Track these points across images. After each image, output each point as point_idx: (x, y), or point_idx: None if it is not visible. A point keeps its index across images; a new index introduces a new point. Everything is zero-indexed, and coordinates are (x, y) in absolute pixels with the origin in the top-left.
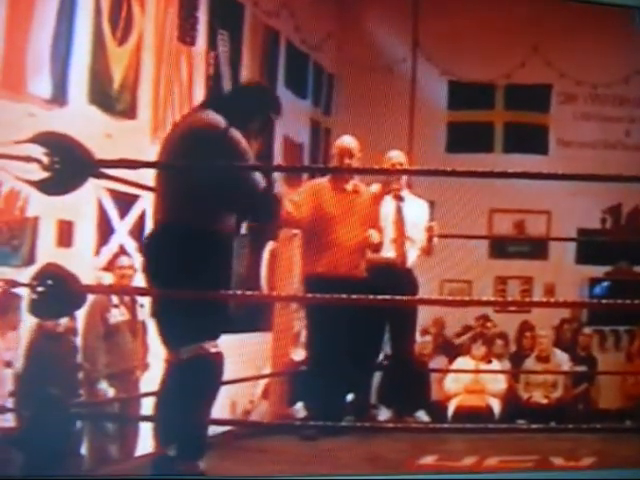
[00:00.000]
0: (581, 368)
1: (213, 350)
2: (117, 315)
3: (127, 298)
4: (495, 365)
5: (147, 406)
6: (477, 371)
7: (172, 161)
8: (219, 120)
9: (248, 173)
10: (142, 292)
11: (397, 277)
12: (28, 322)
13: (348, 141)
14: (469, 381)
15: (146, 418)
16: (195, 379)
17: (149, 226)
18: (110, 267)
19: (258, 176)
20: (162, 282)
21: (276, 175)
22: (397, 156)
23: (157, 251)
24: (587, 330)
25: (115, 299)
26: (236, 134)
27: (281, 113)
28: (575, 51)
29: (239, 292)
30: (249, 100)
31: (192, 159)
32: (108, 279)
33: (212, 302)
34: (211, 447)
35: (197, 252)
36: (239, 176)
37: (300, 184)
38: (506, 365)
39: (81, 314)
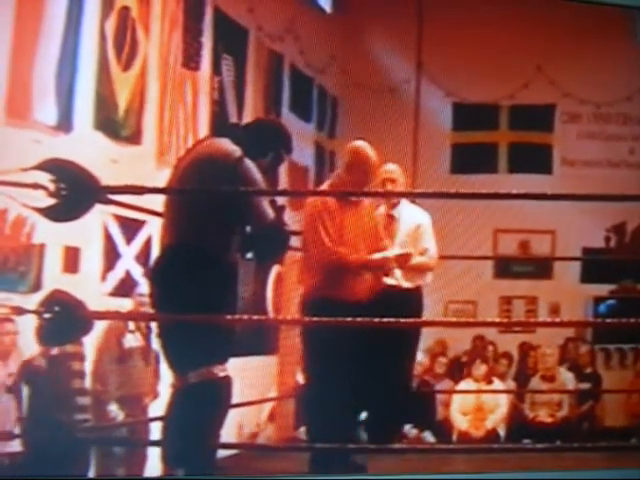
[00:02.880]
0: (585, 385)
1: (222, 374)
2: (132, 340)
3: (143, 325)
4: (497, 385)
5: (155, 431)
6: (480, 391)
7: (184, 186)
8: (234, 149)
9: (258, 203)
10: (150, 318)
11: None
12: (27, 348)
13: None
14: (472, 410)
15: (153, 442)
16: (204, 403)
17: (156, 251)
18: (129, 294)
19: (268, 208)
20: (169, 306)
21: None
22: (391, 170)
23: (164, 275)
24: (584, 348)
25: (131, 325)
26: (250, 164)
27: (292, 152)
28: (579, 70)
29: (245, 316)
30: (265, 136)
31: (204, 184)
32: (127, 306)
33: (220, 326)
34: (218, 470)
35: (204, 276)
36: (248, 205)
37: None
38: (511, 385)
39: (97, 336)
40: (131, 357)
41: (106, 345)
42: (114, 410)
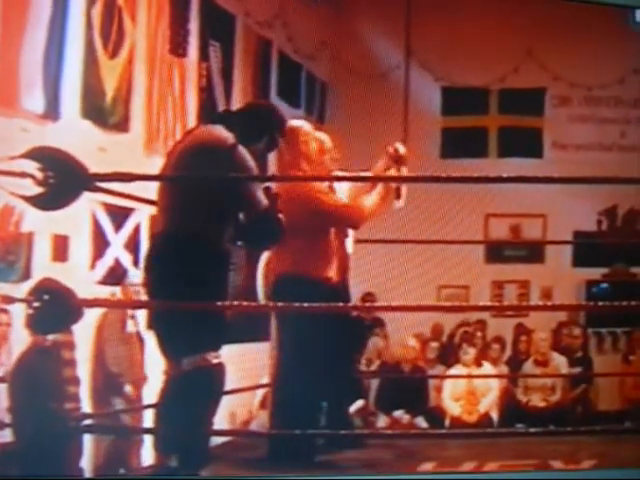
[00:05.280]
0: (577, 369)
1: (215, 361)
2: (131, 326)
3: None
4: (487, 368)
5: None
6: (473, 376)
7: (178, 173)
8: (228, 136)
9: (251, 190)
10: (140, 305)
11: None
12: (20, 337)
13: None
14: (464, 395)
15: (146, 430)
16: (197, 390)
17: (145, 239)
18: (118, 282)
19: (261, 195)
20: (163, 294)
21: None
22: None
23: (157, 263)
24: (576, 332)
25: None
26: (243, 151)
27: (286, 135)
28: (569, 53)
29: (237, 303)
30: (258, 120)
31: (198, 172)
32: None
33: (214, 313)
34: (212, 458)
35: (198, 264)
36: (242, 192)
37: None
38: (503, 369)
39: (102, 321)
40: (131, 342)
41: (113, 329)
42: (129, 391)
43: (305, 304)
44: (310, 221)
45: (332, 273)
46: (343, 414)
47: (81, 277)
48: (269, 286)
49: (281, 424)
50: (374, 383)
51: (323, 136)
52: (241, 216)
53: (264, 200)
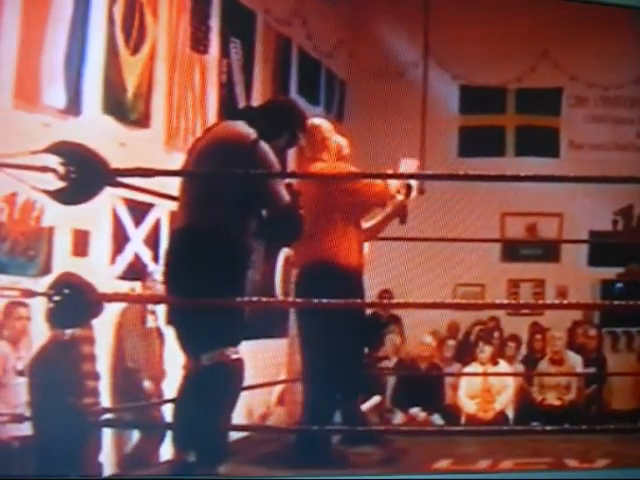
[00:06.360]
0: (591, 369)
1: (234, 356)
2: (151, 321)
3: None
4: (503, 365)
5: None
6: (489, 374)
7: (200, 169)
8: (250, 132)
9: (273, 186)
10: (160, 300)
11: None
12: (40, 331)
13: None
14: (480, 393)
15: (165, 425)
16: (217, 385)
17: (165, 234)
18: (138, 277)
19: (283, 190)
20: (183, 289)
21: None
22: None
23: (177, 258)
24: (591, 331)
25: (149, 306)
26: (265, 147)
27: (307, 131)
28: (586, 54)
29: (256, 299)
30: (279, 117)
31: (220, 168)
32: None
33: (233, 308)
34: (230, 453)
35: (219, 260)
36: (264, 187)
37: None
38: (519, 368)
39: (119, 317)
40: (151, 337)
41: (132, 324)
42: (148, 386)
43: (324, 300)
44: (349, 208)
45: (362, 263)
46: (359, 410)
47: (101, 272)
48: (295, 277)
49: (312, 418)
50: (391, 380)
51: (342, 140)
52: (263, 212)
53: (286, 196)
